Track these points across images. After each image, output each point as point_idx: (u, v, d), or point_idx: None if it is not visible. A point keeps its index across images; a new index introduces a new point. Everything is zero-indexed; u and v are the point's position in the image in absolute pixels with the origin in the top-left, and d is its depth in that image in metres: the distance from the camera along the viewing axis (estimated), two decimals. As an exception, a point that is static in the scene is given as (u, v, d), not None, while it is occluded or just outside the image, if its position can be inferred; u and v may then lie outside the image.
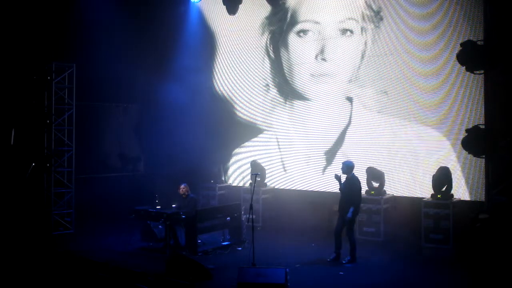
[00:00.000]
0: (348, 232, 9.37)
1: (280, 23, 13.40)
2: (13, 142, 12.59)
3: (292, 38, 13.14)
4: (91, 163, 14.13)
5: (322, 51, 12.50)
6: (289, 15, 13.26)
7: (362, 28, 11.86)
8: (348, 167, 9.52)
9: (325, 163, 12.36)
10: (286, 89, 13.24)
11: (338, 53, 12.21)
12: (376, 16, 11.61)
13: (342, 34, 12.19)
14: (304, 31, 12.92)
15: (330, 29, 12.36)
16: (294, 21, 13.15)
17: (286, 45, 13.28)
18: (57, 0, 12.91)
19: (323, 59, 12.46)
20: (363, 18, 11.83)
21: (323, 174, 12.38)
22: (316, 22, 12.67)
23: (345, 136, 12.03)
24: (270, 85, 13.55)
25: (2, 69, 12.34)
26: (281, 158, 13.29)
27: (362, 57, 11.76)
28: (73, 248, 10.58)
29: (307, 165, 12.71)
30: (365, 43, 11.73)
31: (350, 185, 9.43)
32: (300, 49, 12.97)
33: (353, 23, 12.02)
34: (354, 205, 9.34)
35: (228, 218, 10.68)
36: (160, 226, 10.73)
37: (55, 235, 11.93)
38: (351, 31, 12.04)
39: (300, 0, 13.09)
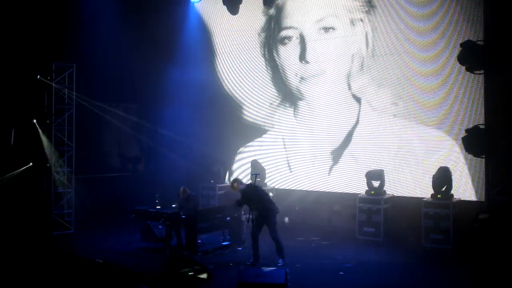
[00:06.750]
0: (272, 233, 9.22)
1: (270, 31, 13.58)
2: (13, 142, 12.60)
3: (280, 44, 13.33)
4: (91, 163, 14.12)
5: (309, 52, 12.67)
6: (272, 24, 13.49)
7: (351, 20, 11.86)
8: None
9: (331, 162, 12.32)
10: (286, 90, 13.26)
11: (331, 50, 12.27)
12: (368, 4, 11.64)
13: (325, 32, 12.32)
14: (288, 38, 13.11)
15: (310, 29, 12.58)
16: (278, 29, 13.38)
17: (277, 51, 13.41)
18: (57, 1, 12.91)
19: (306, 62, 12.70)
20: (350, 11, 11.88)
21: (328, 174, 12.36)
22: (295, 28, 12.94)
23: (345, 137, 12.03)
24: (273, 89, 13.57)
25: (2, 70, 12.35)
26: (287, 158, 13.29)
27: (366, 51, 11.70)
28: (73, 248, 10.59)
29: (313, 165, 12.68)
30: (366, 35, 11.70)
31: (252, 193, 9.27)
32: (288, 53, 13.14)
33: (333, 20, 12.17)
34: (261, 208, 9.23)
35: (228, 218, 10.69)
36: (160, 226, 10.73)
37: (55, 235, 11.93)
38: (333, 28, 12.19)
39: (279, 7, 13.32)
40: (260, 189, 9.63)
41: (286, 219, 12.25)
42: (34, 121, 12.40)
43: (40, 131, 12.33)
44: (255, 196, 9.20)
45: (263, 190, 9.71)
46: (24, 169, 12.56)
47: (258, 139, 13.91)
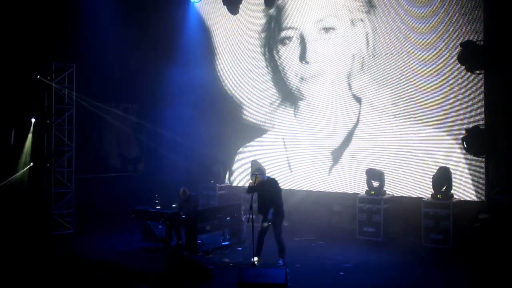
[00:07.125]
0: (277, 235, 9.18)
1: (270, 31, 13.59)
2: (13, 142, 12.61)
3: (280, 44, 13.33)
4: (91, 163, 14.12)
5: (309, 52, 12.67)
6: (273, 24, 13.51)
7: (351, 20, 11.86)
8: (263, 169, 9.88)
9: (331, 162, 12.31)
10: (286, 90, 13.26)
11: (331, 50, 12.26)
12: (368, 4, 11.64)
13: (326, 32, 12.35)
14: (288, 38, 13.11)
15: (311, 30, 12.59)
16: (278, 29, 13.38)
17: (278, 51, 13.42)
18: (57, 1, 12.92)
19: (307, 62, 12.69)
20: (351, 11, 11.88)
21: (328, 174, 12.35)
22: (295, 28, 12.95)
23: (345, 137, 12.03)
24: (273, 89, 13.56)
25: (2, 70, 12.36)
26: (287, 158, 13.28)
27: (366, 51, 11.69)
28: (73, 248, 10.59)
29: (313, 165, 12.67)
30: (366, 35, 11.68)
31: (269, 187, 9.36)
32: (288, 53, 13.13)
33: (333, 20, 12.19)
34: (274, 206, 9.23)
35: (228, 218, 10.69)
36: (160, 226, 10.74)
37: (55, 235, 11.93)
38: (334, 28, 12.21)
39: (279, 7, 13.32)
40: (279, 188, 9.58)
41: (285, 222, 12.23)
42: (33, 120, 12.41)
43: (31, 131, 12.35)
44: (271, 192, 9.26)
45: (281, 190, 9.60)
46: (24, 169, 12.58)
47: (258, 139, 13.91)
